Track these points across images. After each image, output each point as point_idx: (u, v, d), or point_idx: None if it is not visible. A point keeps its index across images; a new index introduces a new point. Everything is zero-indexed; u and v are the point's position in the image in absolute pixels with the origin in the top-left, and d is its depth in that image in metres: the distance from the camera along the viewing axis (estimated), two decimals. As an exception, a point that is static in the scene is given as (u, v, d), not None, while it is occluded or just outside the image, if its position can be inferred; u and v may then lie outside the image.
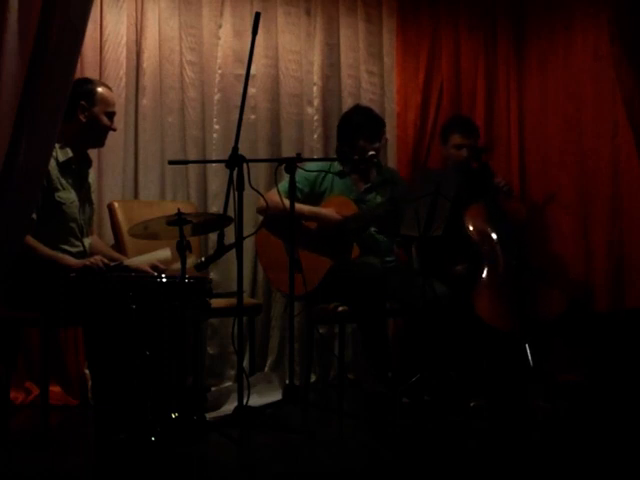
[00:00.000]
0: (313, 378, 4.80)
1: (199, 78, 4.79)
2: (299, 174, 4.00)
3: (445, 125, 4.81)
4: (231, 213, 3.26)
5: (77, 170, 3.73)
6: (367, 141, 4.27)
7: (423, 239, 3.85)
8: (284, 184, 3.96)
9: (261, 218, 4.27)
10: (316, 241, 4.18)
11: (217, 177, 4.74)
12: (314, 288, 3.97)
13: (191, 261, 3.42)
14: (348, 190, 4.33)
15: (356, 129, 4.32)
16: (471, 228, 4.41)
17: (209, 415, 3.57)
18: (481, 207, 4.46)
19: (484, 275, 4.31)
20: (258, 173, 4.63)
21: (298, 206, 3.91)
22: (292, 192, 3.61)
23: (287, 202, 3.59)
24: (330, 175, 4.29)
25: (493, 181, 4.57)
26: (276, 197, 3.85)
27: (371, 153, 4.19)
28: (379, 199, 4.32)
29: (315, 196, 4.32)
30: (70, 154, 3.68)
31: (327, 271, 4.11)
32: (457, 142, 4.64)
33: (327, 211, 4.21)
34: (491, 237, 4.40)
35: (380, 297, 4.05)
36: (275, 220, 3.98)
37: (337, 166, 4.29)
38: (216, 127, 4.79)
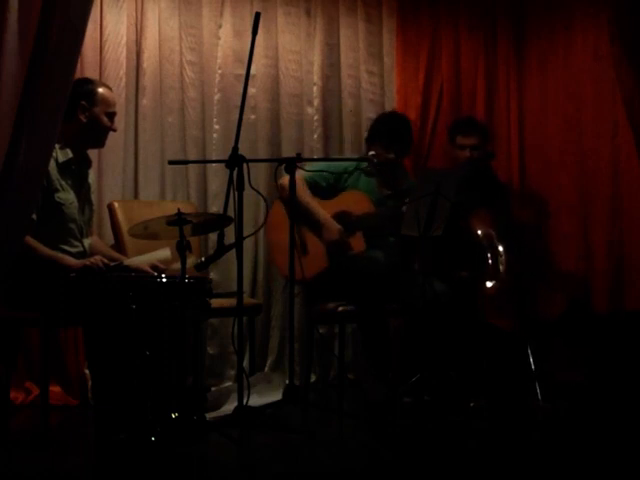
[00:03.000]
0: (313, 378, 4.79)
1: (199, 78, 4.79)
2: (328, 164, 4.26)
3: (450, 128, 4.82)
4: (231, 213, 3.26)
5: (77, 171, 3.73)
6: (382, 148, 4.30)
7: (424, 240, 3.85)
8: (309, 172, 4.08)
9: (262, 218, 4.26)
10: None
11: (217, 177, 4.74)
12: (317, 274, 3.96)
13: (191, 261, 3.42)
14: (371, 191, 4.33)
15: (377, 132, 4.37)
16: (480, 233, 4.42)
17: (209, 415, 3.57)
18: (487, 211, 4.47)
19: (490, 285, 4.31)
20: (258, 173, 4.62)
21: (312, 202, 4.14)
22: (292, 192, 3.60)
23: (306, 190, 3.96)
24: (356, 174, 4.32)
25: (497, 183, 4.59)
26: (300, 181, 3.94)
27: (371, 153, 4.18)
28: None
29: (337, 190, 4.33)
30: (70, 155, 3.67)
31: (330, 262, 4.11)
32: (459, 143, 4.66)
33: (330, 224, 4.15)
34: (497, 247, 4.41)
35: (383, 295, 4.04)
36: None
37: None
38: (216, 127, 4.79)
